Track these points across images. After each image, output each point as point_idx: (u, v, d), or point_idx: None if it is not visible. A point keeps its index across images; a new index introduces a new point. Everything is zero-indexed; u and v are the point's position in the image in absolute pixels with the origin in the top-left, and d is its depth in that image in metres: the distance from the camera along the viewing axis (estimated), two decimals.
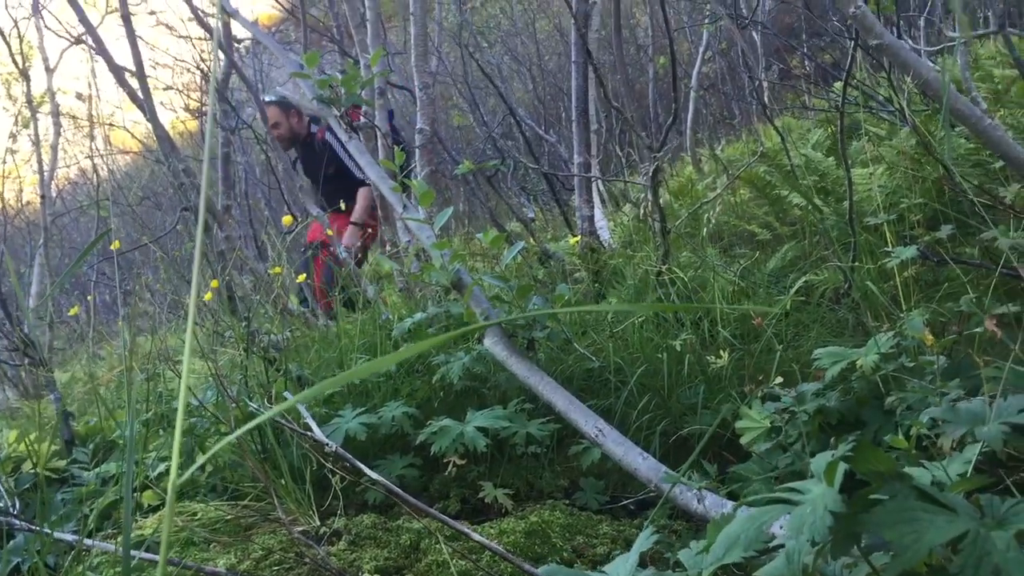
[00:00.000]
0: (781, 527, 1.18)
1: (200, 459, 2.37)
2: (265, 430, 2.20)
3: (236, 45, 6.07)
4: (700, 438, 2.23)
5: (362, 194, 5.71)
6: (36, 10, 6.58)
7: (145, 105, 2.93)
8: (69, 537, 1.93)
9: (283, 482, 2.08)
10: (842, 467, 0.76)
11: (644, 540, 1.11)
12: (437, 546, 1.88)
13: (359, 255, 5.37)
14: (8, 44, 6.46)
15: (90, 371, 5.15)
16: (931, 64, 1.77)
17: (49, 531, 1.82)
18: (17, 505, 2.13)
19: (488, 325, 0.98)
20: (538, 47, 11.01)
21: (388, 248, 4.25)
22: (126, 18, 2.93)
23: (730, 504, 1.58)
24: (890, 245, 2.39)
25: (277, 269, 2.99)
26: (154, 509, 2.22)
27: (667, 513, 2.03)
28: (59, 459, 2.65)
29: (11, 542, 2.03)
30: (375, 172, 2.49)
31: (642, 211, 4.47)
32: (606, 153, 8.71)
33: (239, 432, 0.49)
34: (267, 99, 5.70)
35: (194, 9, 4.05)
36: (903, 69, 1.83)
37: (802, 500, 0.77)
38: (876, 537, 0.77)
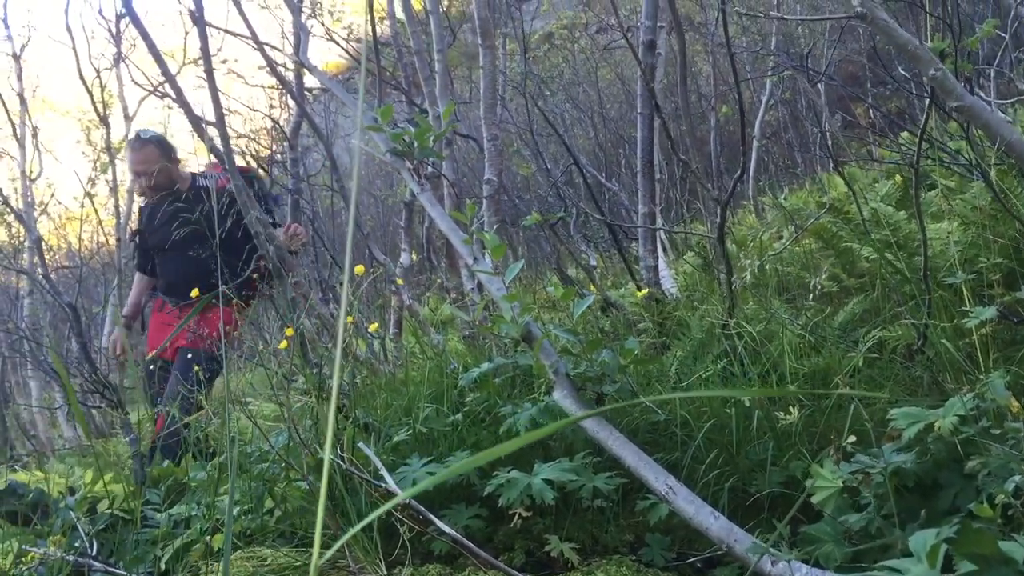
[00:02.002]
0: None
1: (269, 503, 2.42)
2: (334, 477, 2.22)
3: (307, 95, 6.24)
4: (769, 496, 2.20)
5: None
6: (118, 61, 6.86)
7: (224, 156, 3.03)
8: None
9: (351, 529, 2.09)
10: (944, 548, 0.75)
11: None
12: None
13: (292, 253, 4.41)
14: (91, 93, 6.74)
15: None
16: (1013, 127, 1.75)
17: (126, 572, 1.86)
18: (95, 546, 2.18)
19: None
20: (600, 95, 11.11)
21: (452, 295, 4.28)
22: (209, 73, 3.04)
23: (813, 572, 1.54)
24: (966, 302, 2.34)
25: (349, 318, 3.02)
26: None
27: (735, 572, 2.00)
28: (132, 500, 2.71)
29: None
30: (446, 224, 2.53)
31: (706, 260, 4.46)
32: (667, 200, 8.72)
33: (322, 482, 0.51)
34: (144, 136, 4.61)
35: (269, 61, 4.18)
36: (984, 130, 1.81)
37: None
38: None
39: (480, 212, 3.59)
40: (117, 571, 2.02)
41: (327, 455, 0.44)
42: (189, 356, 4.12)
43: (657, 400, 2.13)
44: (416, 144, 2.50)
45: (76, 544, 2.23)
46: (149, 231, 4.59)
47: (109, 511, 2.48)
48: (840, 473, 1.83)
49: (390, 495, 1.97)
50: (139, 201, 4.97)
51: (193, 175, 4.72)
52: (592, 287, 4.36)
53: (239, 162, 5.38)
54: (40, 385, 9.91)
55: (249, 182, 4.33)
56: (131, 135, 4.94)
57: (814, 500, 1.88)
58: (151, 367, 4.39)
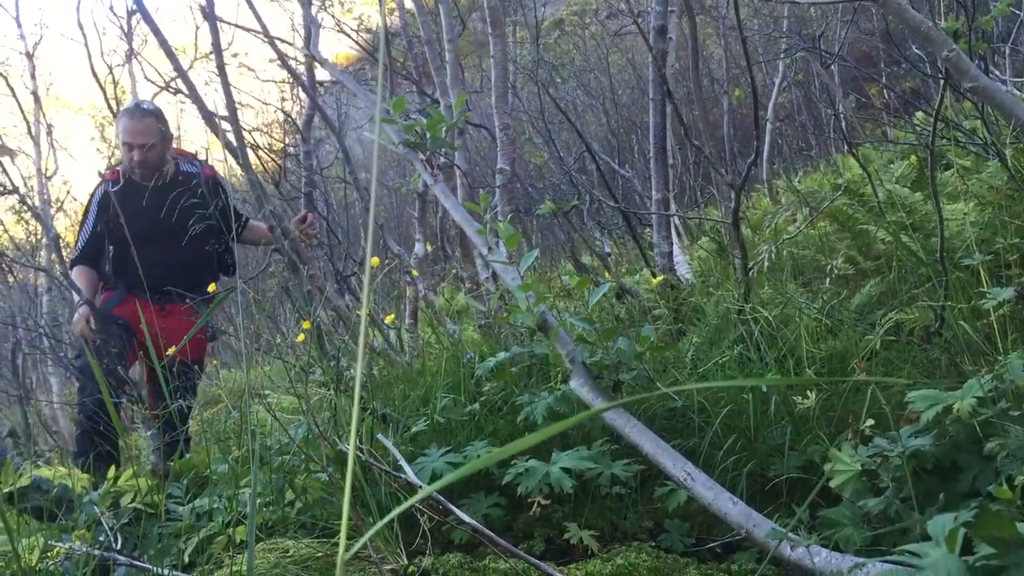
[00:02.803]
0: None
1: (289, 495, 2.44)
2: (354, 469, 2.24)
3: (318, 87, 6.25)
4: (787, 481, 2.20)
5: (254, 225, 4.60)
6: (130, 58, 6.90)
7: (238, 151, 3.04)
8: None
9: (371, 520, 2.11)
10: (962, 532, 0.75)
11: None
12: None
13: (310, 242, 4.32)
14: (104, 89, 6.78)
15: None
16: None
17: (150, 565, 1.88)
18: (119, 540, 2.21)
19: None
20: (611, 81, 11.07)
21: (467, 285, 4.28)
22: (221, 68, 3.05)
23: (832, 556, 1.54)
24: (983, 283, 2.33)
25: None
26: (247, 545, 2.27)
27: (754, 557, 2.01)
28: (155, 494, 2.74)
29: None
30: (460, 214, 2.53)
31: (720, 244, 4.45)
32: (681, 186, 8.69)
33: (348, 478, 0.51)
34: (146, 107, 4.30)
35: (280, 55, 4.19)
36: (999, 110, 1.80)
37: (922, 565, 0.77)
38: None
39: (493, 202, 3.59)
40: (142, 564, 2.04)
41: (352, 448, 0.45)
42: (173, 370, 3.85)
43: (677, 390, 2.14)
44: (428, 135, 2.50)
45: (101, 538, 2.26)
46: (127, 217, 4.03)
47: (132, 505, 2.51)
48: (858, 457, 1.83)
49: (409, 485, 1.98)
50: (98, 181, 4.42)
51: (176, 159, 4.40)
52: (607, 274, 4.36)
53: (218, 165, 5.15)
54: (60, 381, 10.01)
55: (217, 188, 4.34)
56: (127, 104, 4.49)
57: (832, 484, 1.88)
58: (117, 322, 4.06)
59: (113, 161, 11.18)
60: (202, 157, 4.61)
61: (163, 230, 4.09)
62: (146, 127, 4.16)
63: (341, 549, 0.41)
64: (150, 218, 4.10)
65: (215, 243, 4.18)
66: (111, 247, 4.22)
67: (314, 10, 4.93)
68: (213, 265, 4.42)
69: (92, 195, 4.35)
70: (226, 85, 3.06)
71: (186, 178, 4.28)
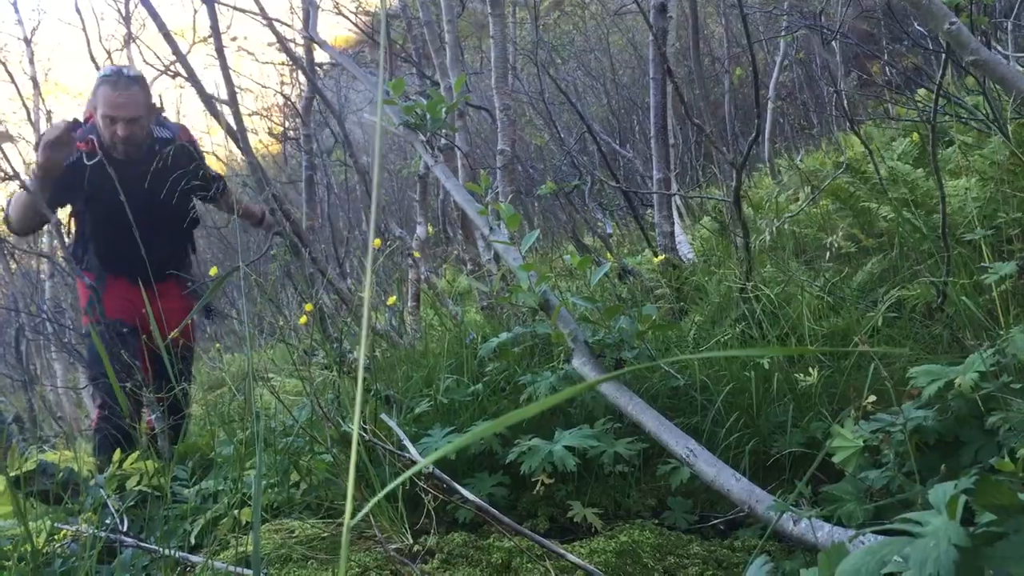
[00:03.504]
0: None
1: (294, 477, 2.45)
2: (359, 449, 2.25)
3: (318, 70, 6.23)
4: (790, 457, 2.21)
5: (230, 193, 4.12)
6: (128, 42, 6.87)
7: (239, 135, 3.03)
8: (195, 558, 2.01)
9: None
10: (963, 499, 0.76)
11: (757, 570, 1.10)
12: (528, 565, 1.89)
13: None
14: None
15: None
16: None
17: (157, 547, 1.90)
18: (125, 522, 2.22)
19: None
20: (612, 61, 11.02)
21: (469, 267, 4.28)
22: (219, 51, 3.04)
23: (835, 530, 1.55)
24: (986, 259, 2.33)
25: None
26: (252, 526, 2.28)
27: (757, 533, 2.02)
28: (160, 477, 2.75)
29: (118, 558, 2.12)
30: (461, 195, 2.53)
31: (722, 224, 4.45)
32: (682, 165, 8.68)
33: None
34: (130, 73, 3.72)
35: (280, 37, 4.17)
36: (1000, 84, 1.79)
37: (922, 532, 0.77)
38: (1001, 571, 0.76)
39: (494, 183, 3.59)
40: (148, 546, 2.05)
41: (356, 428, 0.46)
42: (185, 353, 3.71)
43: (676, 362, 2.14)
44: (429, 116, 2.50)
45: (107, 521, 2.27)
46: (105, 196, 3.61)
47: (138, 488, 2.52)
48: (861, 432, 1.83)
49: (413, 465, 1.99)
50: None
51: (150, 127, 3.85)
52: (608, 255, 4.36)
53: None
54: (64, 367, 10.03)
55: (191, 152, 3.84)
56: (106, 71, 3.77)
57: (835, 459, 1.88)
58: (122, 331, 3.66)
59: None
60: (169, 116, 4.22)
61: (146, 208, 3.60)
62: (132, 98, 3.66)
63: (347, 520, 0.41)
64: (130, 196, 3.50)
65: (192, 209, 3.89)
66: (89, 227, 3.86)
67: None
68: (193, 241, 4.17)
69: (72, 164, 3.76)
70: (225, 69, 3.05)
71: (163, 146, 3.79)
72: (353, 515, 1.52)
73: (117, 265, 3.82)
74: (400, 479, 0.45)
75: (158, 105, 3.86)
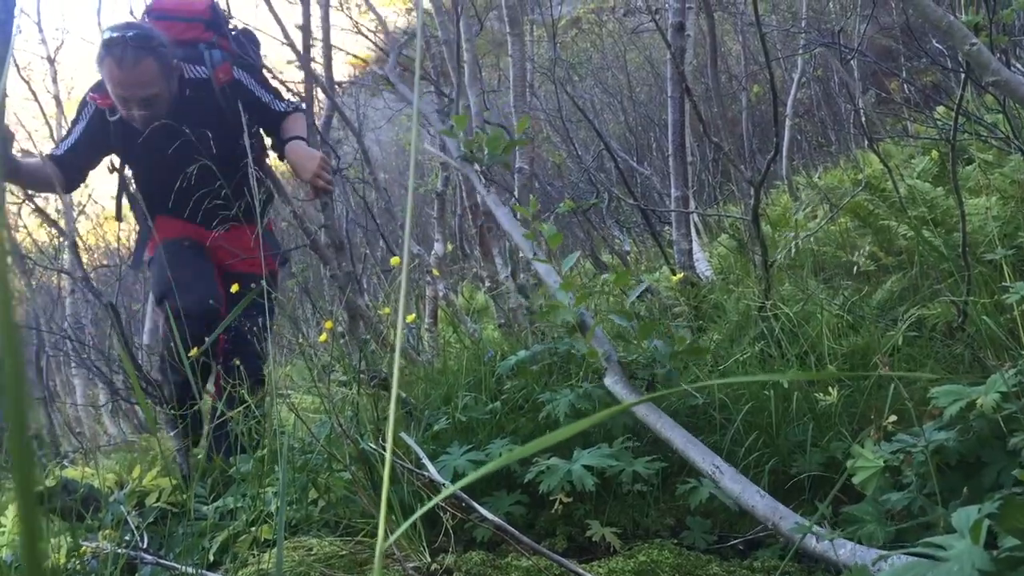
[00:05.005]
0: None
1: (313, 494, 2.45)
2: (376, 467, 2.25)
3: (337, 88, 6.27)
4: (810, 478, 2.19)
5: (295, 119, 3.51)
6: None
7: (267, 170, 3.06)
8: (214, 575, 2.01)
9: (394, 518, 2.13)
10: (987, 524, 0.75)
11: None
12: None
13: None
14: None
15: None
16: None
17: (176, 564, 1.91)
18: (145, 539, 2.24)
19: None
20: (629, 79, 11.05)
21: (487, 284, 4.29)
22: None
23: (857, 548, 1.54)
24: (1007, 278, 2.32)
25: (386, 310, 3.03)
26: (271, 544, 2.29)
27: (776, 554, 2.00)
28: (179, 494, 2.77)
29: (138, 574, 2.13)
30: (509, 223, 2.57)
31: (740, 241, 4.44)
32: (700, 183, 8.68)
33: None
34: (135, 41, 3.05)
35: (299, 55, 4.21)
36: (1021, 103, 1.79)
37: (946, 556, 0.77)
38: None
39: (513, 201, 3.61)
40: (168, 563, 2.06)
41: (389, 448, 0.46)
42: (252, 285, 3.09)
43: (702, 388, 2.15)
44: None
45: (127, 537, 2.28)
46: (135, 158, 3.34)
47: (158, 504, 2.54)
48: (881, 453, 1.82)
49: (432, 483, 1.99)
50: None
51: (180, 67, 3.29)
52: (626, 272, 4.35)
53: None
54: (84, 383, 10.10)
55: (238, 89, 3.36)
56: (109, 32, 3.12)
57: (855, 480, 1.87)
58: (182, 244, 3.32)
59: None
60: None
61: (185, 157, 3.10)
62: (143, 74, 3.06)
63: (379, 542, 0.42)
64: (162, 156, 3.17)
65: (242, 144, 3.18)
66: (139, 182, 3.49)
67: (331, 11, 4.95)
68: (266, 180, 3.50)
69: (83, 107, 3.39)
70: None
71: (196, 91, 3.29)
72: (372, 535, 1.51)
73: (174, 213, 3.39)
74: (430, 504, 0.45)
75: (176, 62, 3.23)
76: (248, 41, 3.65)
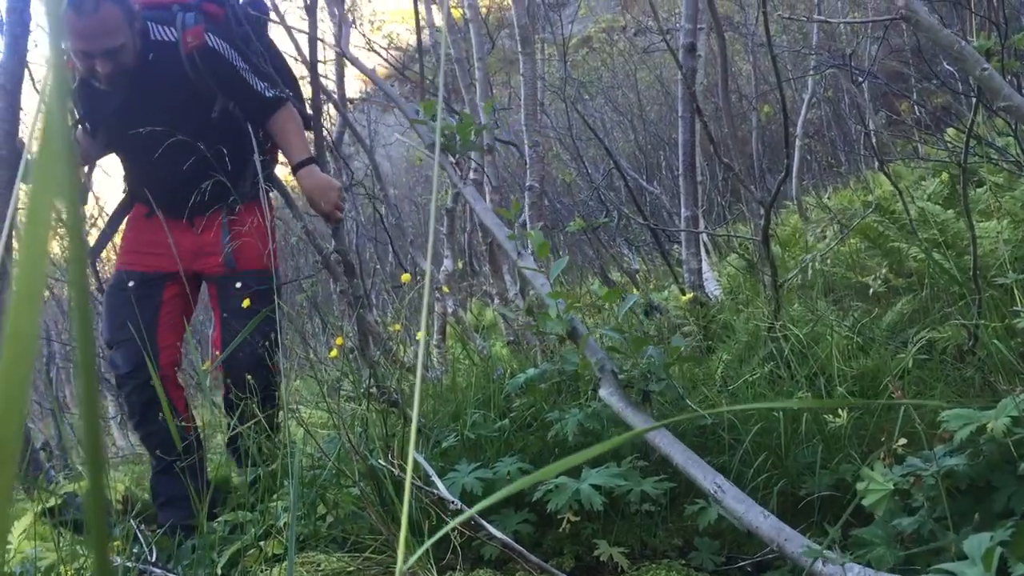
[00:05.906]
0: None
1: (321, 509, 2.46)
2: (384, 483, 2.25)
3: (348, 104, 6.31)
4: (819, 500, 2.19)
5: (288, 118, 3.12)
6: None
7: (276, 181, 3.08)
8: None
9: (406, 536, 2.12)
10: (999, 551, 0.75)
11: None
12: None
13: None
14: None
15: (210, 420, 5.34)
16: None
17: None
18: (154, 552, 2.24)
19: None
20: (639, 98, 11.08)
21: (496, 301, 4.30)
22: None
23: (866, 572, 1.54)
24: (1017, 302, 2.32)
25: (396, 327, 3.03)
26: (279, 558, 2.29)
27: (785, 575, 2.00)
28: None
29: None
30: (490, 219, 2.54)
31: (750, 261, 4.44)
32: (710, 202, 8.69)
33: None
34: None
35: (311, 69, 4.24)
36: None
37: None
38: None
39: (522, 218, 3.62)
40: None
41: (409, 468, 0.47)
42: (238, 286, 2.96)
43: (710, 413, 2.14)
44: (458, 138, 2.48)
45: (136, 551, 2.29)
46: (99, 120, 2.97)
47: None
48: (891, 476, 1.82)
49: (440, 500, 1.99)
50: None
51: (145, 25, 2.87)
52: (635, 291, 4.36)
53: None
54: None
55: (214, 58, 2.94)
56: None
57: (865, 503, 1.86)
58: (128, 284, 2.97)
59: None
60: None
61: (153, 131, 2.81)
62: (103, 24, 2.70)
63: (400, 562, 0.42)
64: (131, 116, 2.86)
65: (217, 116, 3.00)
66: (120, 158, 3.16)
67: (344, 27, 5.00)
68: (242, 143, 3.04)
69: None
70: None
71: (160, 54, 2.89)
72: (380, 551, 1.51)
73: (147, 197, 3.01)
74: (448, 527, 0.46)
75: (139, 13, 2.84)
76: (258, 13, 3.24)
